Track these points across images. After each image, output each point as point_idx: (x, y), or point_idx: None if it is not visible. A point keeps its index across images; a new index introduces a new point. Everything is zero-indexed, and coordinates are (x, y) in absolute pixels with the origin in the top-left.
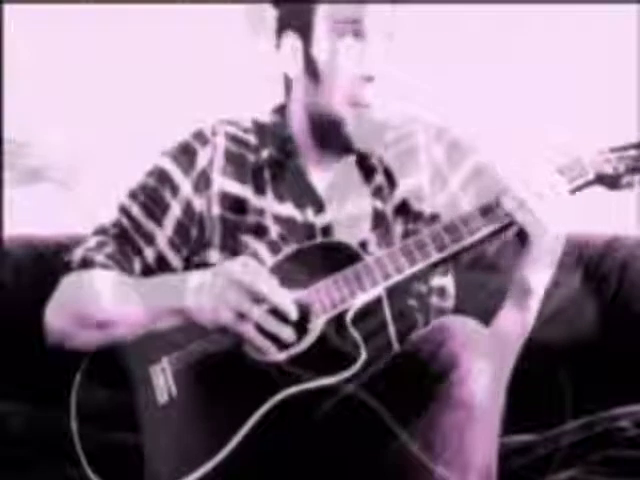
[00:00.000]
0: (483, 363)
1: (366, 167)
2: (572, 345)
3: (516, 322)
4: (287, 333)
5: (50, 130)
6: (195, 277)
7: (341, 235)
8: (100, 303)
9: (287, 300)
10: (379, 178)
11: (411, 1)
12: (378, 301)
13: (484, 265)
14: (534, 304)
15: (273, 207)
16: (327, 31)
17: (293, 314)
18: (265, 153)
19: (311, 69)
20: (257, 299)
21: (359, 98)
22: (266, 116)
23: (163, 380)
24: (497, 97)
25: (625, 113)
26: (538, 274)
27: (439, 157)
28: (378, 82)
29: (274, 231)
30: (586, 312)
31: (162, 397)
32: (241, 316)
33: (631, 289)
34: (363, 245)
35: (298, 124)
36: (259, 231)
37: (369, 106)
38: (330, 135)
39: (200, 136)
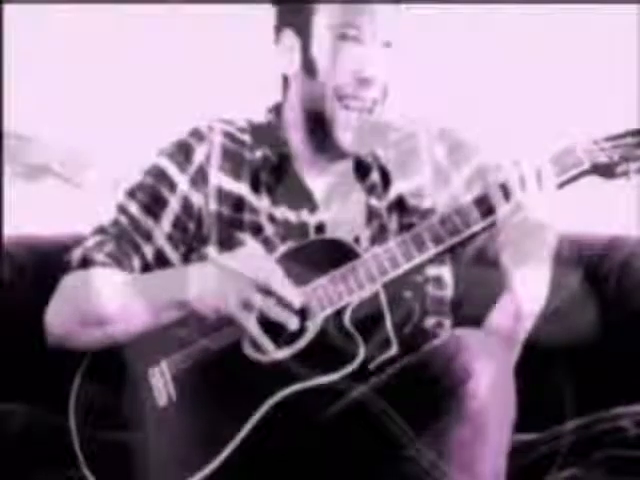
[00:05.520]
0: (496, 377)
1: (361, 166)
2: (572, 345)
3: (507, 314)
4: (292, 322)
5: (53, 127)
6: (197, 268)
7: (335, 232)
8: (101, 301)
9: (291, 290)
10: (374, 176)
11: (411, 1)
12: (375, 297)
13: (487, 260)
14: (524, 294)
15: (268, 209)
16: (326, 32)
17: (297, 304)
18: (259, 153)
19: (308, 66)
20: (262, 289)
21: (352, 99)
22: (261, 116)
23: (162, 382)
24: (498, 97)
25: (625, 113)
26: (524, 263)
27: (441, 157)
28: (374, 86)
29: (269, 229)
30: (586, 312)
31: (161, 399)
32: (245, 307)
33: (631, 289)
34: (356, 240)
35: (293, 124)
36: (255, 228)
37: (362, 110)
38: (322, 135)
39: (196, 133)
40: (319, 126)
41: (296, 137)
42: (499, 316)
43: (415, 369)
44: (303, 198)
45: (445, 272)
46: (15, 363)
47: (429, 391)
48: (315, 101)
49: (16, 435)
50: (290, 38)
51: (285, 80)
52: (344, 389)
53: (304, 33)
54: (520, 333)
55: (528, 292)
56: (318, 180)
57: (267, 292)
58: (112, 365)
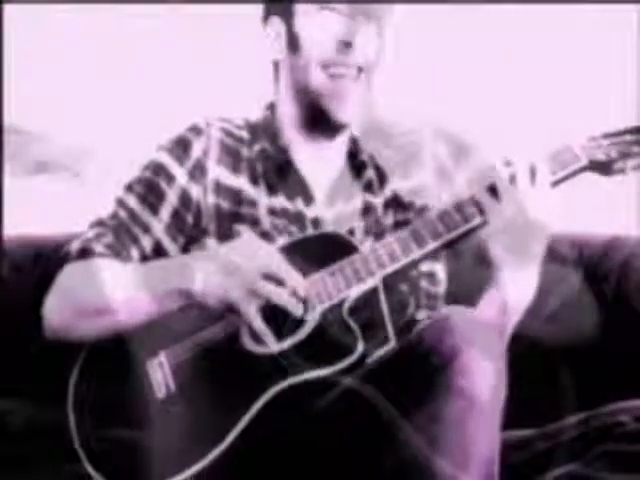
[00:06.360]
0: (484, 354)
1: (356, 164)
2: (572, 345)
3: (493, 306)
4: (297, 308)
5: (53, 126)
6: (200, 257)
7: (331, 226)
8: (100, 290)
9: (296, 276)
10: (369, 173)
11: (412, 1)
12: (374, 291)
13: (486, 259)
14: (512, 290)
15: (266, 200)
16: (308, 8)
17: (302, 290)
18: (257, 147)
19: (293, 42)
20: (267, 276)
21: (336, 67)
22: (257, 113)
23: (161, 374)
24: (498, 97)
25: (623, 111)
26: (514, 259)
27: (444, 156)
28: (356, 51)
29: (267, 222)
30: (586, 312)
31: (160, 392)
32: (250, 294)
33: (631, 289)
34: (351, 232)
35: (287, 111)
36: (253, 221)
37: (347, 78)
38: (313, 111)
39: (194, 129)
40: (309, 101)
41: (290, 124)
42: (485, 308)
43: (406, 350)
44: (299, 189)
45: (439, 269)
46: (14, 361)
47: (420, 371)
48: (302, 75)
49: (16, 432)
50: (277, 24)
51: (276, 67)
52: (337, 378)
53: (288, 15)
54: (506, 326)
55: (516, 288)
56: (316, 171)
57: (272, 278)
58: (110, 357)
